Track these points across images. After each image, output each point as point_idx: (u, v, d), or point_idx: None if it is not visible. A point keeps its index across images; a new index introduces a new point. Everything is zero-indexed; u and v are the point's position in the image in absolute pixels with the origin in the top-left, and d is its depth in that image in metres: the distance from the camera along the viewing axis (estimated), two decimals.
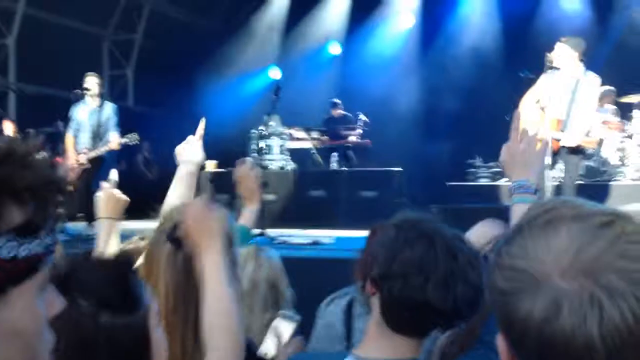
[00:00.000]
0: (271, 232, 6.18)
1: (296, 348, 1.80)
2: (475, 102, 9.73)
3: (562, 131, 5.63)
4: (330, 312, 1.81)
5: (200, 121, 2.16)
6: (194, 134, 2.17)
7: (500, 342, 0.78)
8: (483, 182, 8.51)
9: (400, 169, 8.59)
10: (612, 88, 8.24)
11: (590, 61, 6.29)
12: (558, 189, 6.14)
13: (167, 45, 10.63)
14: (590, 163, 7.46)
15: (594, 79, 5.71)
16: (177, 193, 2.01)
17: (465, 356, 1.43)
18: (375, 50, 10.88)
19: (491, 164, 8.76)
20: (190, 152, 2.12)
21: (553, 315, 0.69)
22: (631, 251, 0.70)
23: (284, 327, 1.83)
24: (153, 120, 10.11)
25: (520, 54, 8.97)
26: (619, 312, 0.67)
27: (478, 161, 9.03)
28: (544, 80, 5.87)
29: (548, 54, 5.75)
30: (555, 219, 0.74)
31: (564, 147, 5.69)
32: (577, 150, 5.69)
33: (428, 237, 1.36)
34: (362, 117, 9.51)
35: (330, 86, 10.95)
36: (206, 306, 1.36)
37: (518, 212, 1.54)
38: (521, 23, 9.97)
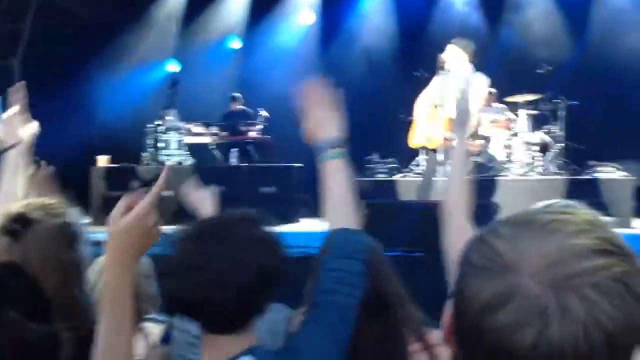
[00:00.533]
0: (166, 229, 6.03)
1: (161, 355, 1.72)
2: (373, 100, 9.94)
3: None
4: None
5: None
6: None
7: (448, 309, 0.77)
8: (380, 177, 8.72)
9: (300, 164, 8.64)
10: (491, 89, 8.69)
11: (482, 61, 6.59)
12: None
13: (57, 36, 10.11)
14: (479, 159, 7.82)
15: (482, 79, 5.98)
16: (5, 188, 1.71)
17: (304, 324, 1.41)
18: (276, 46, 10.86)
19: (388, 159, 9.00)
20: (9, 132, 1.77)
21: (497, 305, 0.68)
22: (605, 286, 0.68)
23: (153, 328, 1.78)
24: (42, 114, 9.60)
25: (417, 53, 9.26)
26: (561, 332, 0.66)
27: (375, 157, 9.25)
28: (436, 80, 6.11)
29: (440, 55, 5.98)
30: (560, 222, 0.72)
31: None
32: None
33: (206, 233, 1.33)
34: (263, 112, 9.48)
35: (230, 81, 10.83)
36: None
37: (332, 168, 1.58)
38: (418, 23, 10.28)
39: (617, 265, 0.69)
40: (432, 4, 10.51)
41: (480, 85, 5.99)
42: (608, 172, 7.66)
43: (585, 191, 7.21)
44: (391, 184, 7.98)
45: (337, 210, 1.56)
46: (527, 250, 0.70)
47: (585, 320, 0.66)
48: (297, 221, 7.84)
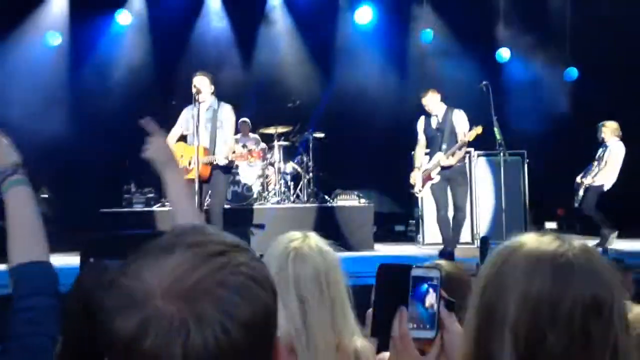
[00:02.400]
0: None
1: None
2: (128, 127, 9.53)
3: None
4: None
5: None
6: None
7: None
8: (138, 208, 8.42)
9: (45, 195, 8.02)
10: (246, 119, 8.99)
11: (235, 93, 6.75)
12: (207, 213, 6.40)
13: None
14: (236, 188, 7.98)
15: (228, 109, 6.22)
16: None
17: None
18: (18, 66, 9.88)
19: (145, 189, 8.72)
20: None
21: (140, 335, 0.69)
22: (230, 281, 0.72)
23: None
24: None
25: (173, 81, 9.19)
26: (202, 338, 0.69)
27: (132, 187, 8.91)
28: (188, 109, 6.19)
29: (192, 85, 6.03)
30: (175, 243, 0.75)
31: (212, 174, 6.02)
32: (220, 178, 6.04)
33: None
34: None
35: None
36: None
37: (13, 197, 1.49)
38: (174, 50, 10.19)
39: (234, 259, 0.75)
40: (188, 32, 10.50)
41: (228, 115, 6.18)
42: (351, 200, 8.32)
43: (331, 218, 7.75)
44: (149, 215, 7.76)
45: (24, 242, 1.43)
46: (151, 277, 0.72)
47: (221, 318, 0.70)
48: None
